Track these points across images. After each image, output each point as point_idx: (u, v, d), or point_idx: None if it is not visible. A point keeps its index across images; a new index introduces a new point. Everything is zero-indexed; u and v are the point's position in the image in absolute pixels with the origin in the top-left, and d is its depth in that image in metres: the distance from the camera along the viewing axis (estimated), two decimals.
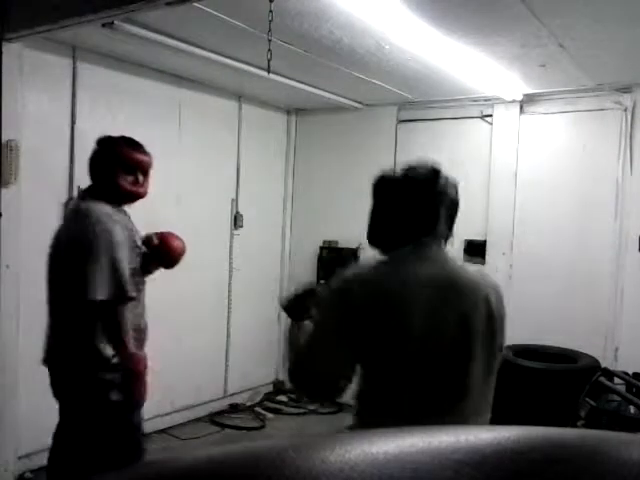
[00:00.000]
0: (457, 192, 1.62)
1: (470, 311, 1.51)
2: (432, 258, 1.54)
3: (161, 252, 2.58)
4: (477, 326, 1.52)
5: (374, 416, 1.54)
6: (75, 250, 2.27)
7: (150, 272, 2.57)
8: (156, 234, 2.60)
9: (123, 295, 2.27)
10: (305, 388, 1.62)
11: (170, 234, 2.63)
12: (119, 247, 2.27)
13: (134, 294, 2.33)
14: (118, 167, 2.38)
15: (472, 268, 1.68)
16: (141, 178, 2.44)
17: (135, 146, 2.45)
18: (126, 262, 2.29)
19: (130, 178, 2.41)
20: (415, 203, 1.55)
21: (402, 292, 1.48)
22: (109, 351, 2.29)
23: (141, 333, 2.45)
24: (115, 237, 2.27)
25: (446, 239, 1.62)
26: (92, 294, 2.20)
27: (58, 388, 2.40)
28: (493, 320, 1.58)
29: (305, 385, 1.60)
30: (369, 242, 1.65)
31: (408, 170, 1.59)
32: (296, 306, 1.77)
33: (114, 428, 2.35)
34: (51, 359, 2.40)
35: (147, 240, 2.56)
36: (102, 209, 2.31)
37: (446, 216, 1.58)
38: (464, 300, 1.52)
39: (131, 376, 2.30)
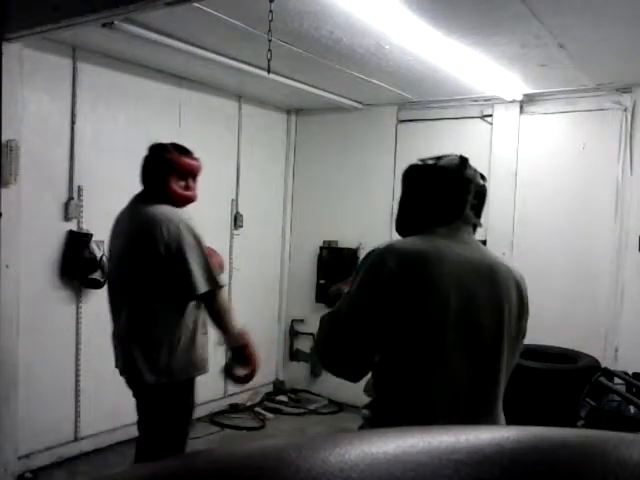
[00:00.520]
0: (484, 182, 1.68)
1: (504, 295, 1.52)
2: (465, 241, 1.57)
3: None
4: (510, 310, 1.53)
5: (395, 405, 1.50)
6: (168, 253, 2.39)
7: None
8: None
9: (217, 284, 2.46)
10: (337, 362, 1.58)
11: (210, 250, 2.67)
12: (200, 242, 2.46)
13: (224, 283, 2.53)
14: (171, 173, 2.51)
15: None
16: (191, 183, 2.58)
17: (186, 152, 2.59)
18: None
19: (182, 183, 2.54)
20: (444, 190, 1.60)
21: (440, 263, 1.48)
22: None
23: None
24: (196, 233, 2.45)
25: (474, 227, 1.64)
26: (197, 289, 2.39)
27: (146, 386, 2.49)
28: (523, 306, 1.58)
29: (337, 359, 1.56)
30: (397, 231, 1.68)
31: (437, 159, 1.68)
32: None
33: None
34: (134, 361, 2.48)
35: None
36: (174, 211, 2.47)
37: (474, 204, 1.62)
38: (500, 283, 1.52)
39: (244, 350, 2.47)
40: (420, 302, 1.46)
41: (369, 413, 1.58)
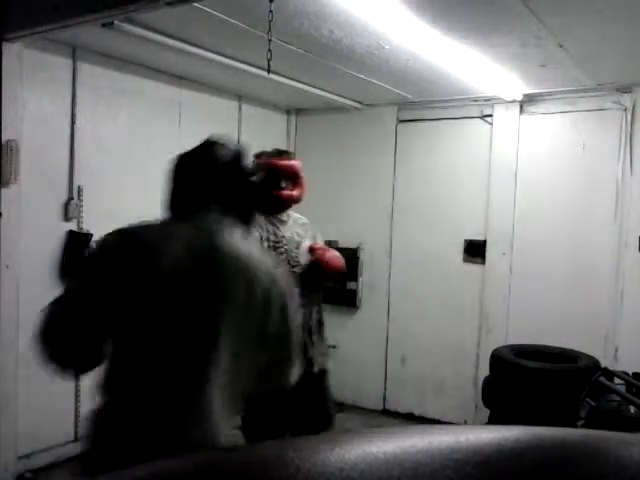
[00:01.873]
0: (246, 171, 1.62)
1: (224, 282, 1.46)
2: (202, 227, 1.52)
3: (316, 267, 2.74)
4: (231, 299, 1.46)
5: (120, 402, 1.44)
6: None
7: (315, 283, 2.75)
8: (315, 250, 2.76)
9: None
10: (57, 352, 1.47)
11: (326, 251, 2.78)
12: None
13: None
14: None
15: (261, 253, 1.65)
16: (284, 183, 2.67)
17: (276, 155, 2.73)
18: None
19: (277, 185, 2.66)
20: (190, 177, 1.60)
21: (156, 247, 1.46)
22: None
23: None
24: None
25: (243, 218, 1.60)
26: None
27: None
28: (253, 299, 1.49)
29: (58, 348, 1.47)
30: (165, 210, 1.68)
31: (201, 145, 1.63)
32: None
33: None
34: None
35: (310, 251, 2.76)
36: None
37: (232, 193, 1.58)
38: (221, 270, 1.47)
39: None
40: (136, 287, 1.43)
41: (90, 425, 1.47)
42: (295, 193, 2.72)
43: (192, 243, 1.48)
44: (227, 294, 1.46)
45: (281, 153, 2.78)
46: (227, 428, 1.48)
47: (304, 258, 2.72)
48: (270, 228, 2.68)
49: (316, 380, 2.75)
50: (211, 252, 1.48)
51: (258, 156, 2.71)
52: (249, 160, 1.66)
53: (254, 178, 1.65)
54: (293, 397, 2.64)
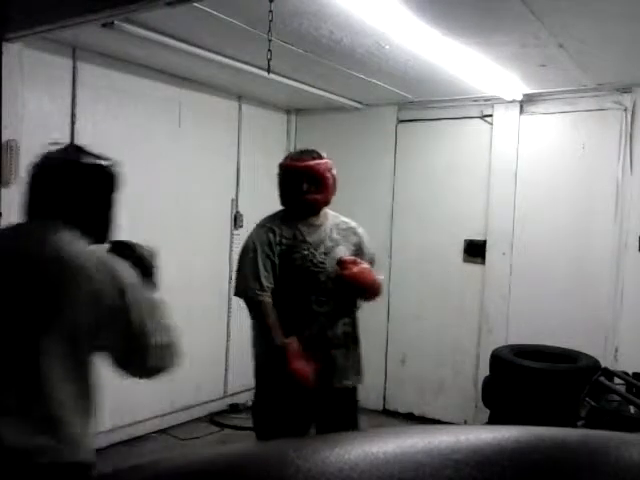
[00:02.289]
0: (83, 177, 1.63)
1: (53, 289, 1.47)
2: (26, 233, 1.60)
3: (342, 281, 2.59)
4: (61, 307, 1.46)
5: None
6: None
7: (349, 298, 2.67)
8: (343, 263, 2.59)
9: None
10: None
11: (355, 265, 2.59)
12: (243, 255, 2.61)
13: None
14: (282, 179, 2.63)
15: (95, 251, 1.60)
16: (306, 186, 2.55)
17: (297, 156, 2.65)
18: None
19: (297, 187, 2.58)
20: (32, 183, 1.66)
21: None
22: None
23: None
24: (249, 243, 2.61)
25: (85, 223, 1.60)
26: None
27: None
28: (73, 296, 1.48)
29: None
30: None
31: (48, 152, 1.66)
32: None
33: None
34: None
35: (338, 263, 2.61)
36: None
37: (70, 200, 1.60)
38: (39, 274, 1.48)
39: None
40: None
41: None
42: (319, 196, 2.57)
43: (5, 246, 1.55)
44: (50, 306, 1.46)
45: (303, 153, 2.63)
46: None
47: (332, 265, 2.57)
48: (290, 232, 2.57)
49: (344, 395, 2.65)
50: (21, 256, 1.53)
51: (285, 158, 2.68)
52: (90, 164, 1.64)
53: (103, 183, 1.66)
54: (320, 411, 2.60)
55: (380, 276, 2.72)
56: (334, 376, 2.59)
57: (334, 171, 2.63)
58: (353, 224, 2.83)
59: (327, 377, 2.54)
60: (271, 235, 2.56)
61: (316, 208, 2.62)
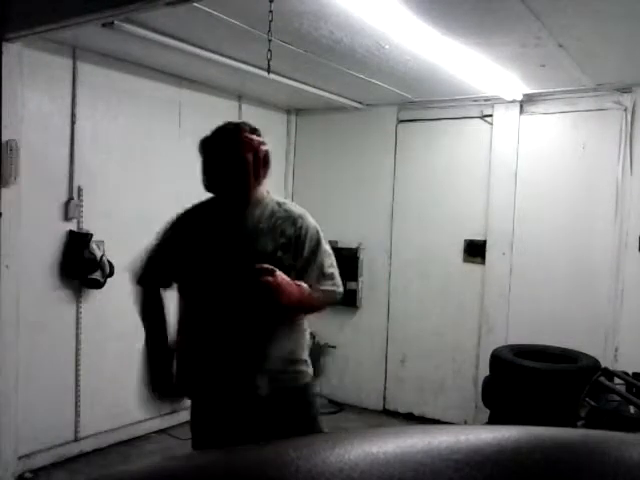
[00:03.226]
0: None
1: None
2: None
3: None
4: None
5: None
6: None
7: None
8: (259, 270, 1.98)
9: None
10: None
11: (270, 275, 1.96)
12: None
13: None
14: None
15: None
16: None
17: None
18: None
19: None
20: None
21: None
22: None
23: None
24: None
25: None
26: None
27: None
28: None
29: None
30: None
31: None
32: None
33: None
34: None
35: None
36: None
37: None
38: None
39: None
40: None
41: None
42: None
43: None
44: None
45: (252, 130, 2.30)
46: None
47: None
48: (208, 218, 2.23)
49: (284, 399, 2.09)
50: None
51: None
52: None
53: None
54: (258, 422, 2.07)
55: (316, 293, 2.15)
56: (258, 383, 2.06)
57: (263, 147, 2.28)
58: (293, 210, 2.30)
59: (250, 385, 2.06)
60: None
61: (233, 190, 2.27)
